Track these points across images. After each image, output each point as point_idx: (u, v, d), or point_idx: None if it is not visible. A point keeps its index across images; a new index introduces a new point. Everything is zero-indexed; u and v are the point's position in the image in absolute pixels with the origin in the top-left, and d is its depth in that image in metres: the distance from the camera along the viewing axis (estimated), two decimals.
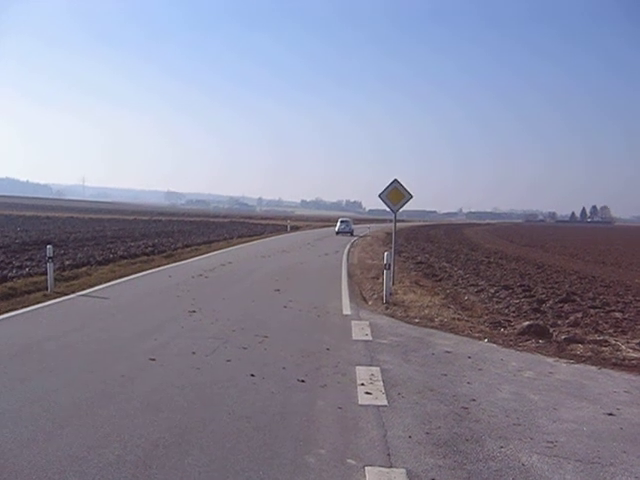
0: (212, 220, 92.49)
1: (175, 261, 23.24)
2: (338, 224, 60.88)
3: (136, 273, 18.52)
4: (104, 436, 5.42)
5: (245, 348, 8.99)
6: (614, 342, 10.34)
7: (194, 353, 8.56)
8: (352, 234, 57.03)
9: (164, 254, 25.73)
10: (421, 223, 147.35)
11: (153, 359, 8.17)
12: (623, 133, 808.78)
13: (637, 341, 10.48)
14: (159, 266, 20.99)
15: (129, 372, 7.53)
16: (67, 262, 19.63)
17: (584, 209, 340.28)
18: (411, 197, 16.74)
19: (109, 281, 16.32)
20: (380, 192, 16.83)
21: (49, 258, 14.17)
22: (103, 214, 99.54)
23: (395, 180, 16.76)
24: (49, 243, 18.57)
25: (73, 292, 14.03)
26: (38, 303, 12.53)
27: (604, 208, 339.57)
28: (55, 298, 13.17)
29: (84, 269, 18.49)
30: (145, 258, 23.51)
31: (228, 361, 8.20)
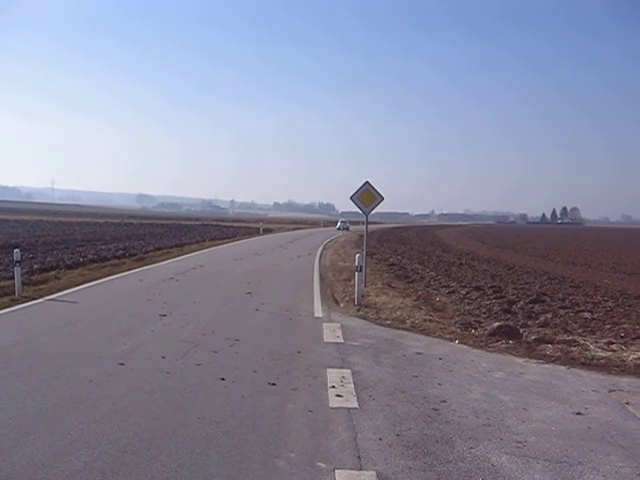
0: (184, 223, 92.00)
1: (146, 264, 23.05)
2: (339, 223, 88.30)
3: (106, 277, 18.32)
4: (71, 443, 5.34)
5: (216, 352, 8.93)
6: (583, 342, 10.45)
7: (164, 357, 8.48)
8: (348, 229, 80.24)
9: (135, 257, 25.50)
10: (394, 225, 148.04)
11: (122, 364, 8.08)
12: (595, 136, 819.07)
13: (605, 341, 10.61)
14: (130, 269, 20.81)
15: (98, 377, 7.43)
16: (36, 266, 19.38)
17: (554, 211, 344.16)
18: (382, 199, 16.78)
19: (79, 285, 16.13)
20: (352, 194, 16.84)
21: (16, 262, 13.97)
22: (73, 217, 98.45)
23: (367, 182, 16.77)
24: (17, 247, 18.32)
25: (41, 296, 13.85)
26: (5, 308, 12.35)
27: (574, 210, 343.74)
28: (23, 303, 12.99)
29: (53, 273, 18.25)
30: (116, 261, 23.28)
31: (198, 365, 8.14)
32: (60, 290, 15.00)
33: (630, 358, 9.28)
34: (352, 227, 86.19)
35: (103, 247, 29.99)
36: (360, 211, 17.23)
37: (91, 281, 17.10)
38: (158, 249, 30.86)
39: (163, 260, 25.26)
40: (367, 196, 16.72)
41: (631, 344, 10.42)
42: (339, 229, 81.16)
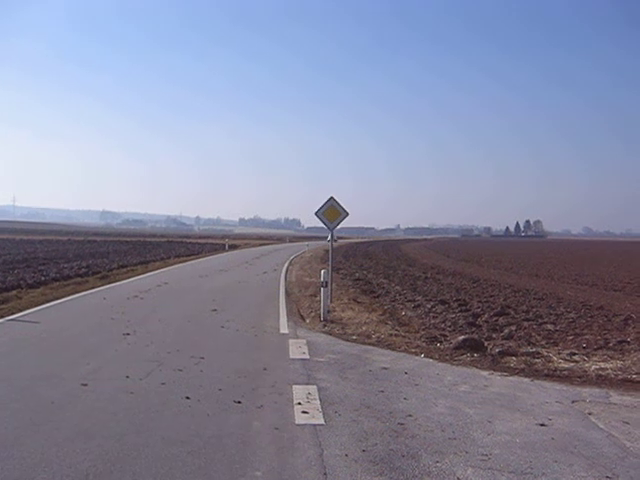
0: (149, 240, 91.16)
1: (110, 282, 22.75)
2: (329, 236, 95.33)
3: (69, 295, 18.04)
4: (31, 467, 5.22)
5: (181, 370, 8.84)
6: (546, 354, 10.59)
7: (128, 377, 8.37)
8: (336, 241, 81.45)
9: (99, 275, 25.16)
10: (360, 240, 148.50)
11: (85, 384, 7.94)
12: (561, 151, 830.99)
13: (568, 352, 10.77)
14: (93, 288, 20.51)
15: (60, 399, 7.29)
16: None
17: (518, 224, 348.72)
18: (347, 214, 16.86)
19: (40, 305, 15.84)
20: (317, 210, 16.89)
21: None
22: (35, 235, 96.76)
23: (331, 198, 16.85)
24: None
25: (2, 317, 13.55)
26: None
27: (537, 222, 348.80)
28: None
29: (14, 292, 17.91)
30: (79, 280, 22.92)
31: (163, 384, 8.05)
32: (21, 310, 14.70)
33: (592, 369, 9.44)
34: (317, 243, 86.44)
35: (66, 265, 29.53)
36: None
37: (53, 300, 16.81)
38: (122, 266, 30.50)
39: (127, 278, 24.97)
40: (332, 212, 16.79)
41: (593, 355, 10.59)
42: (328, 241, 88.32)
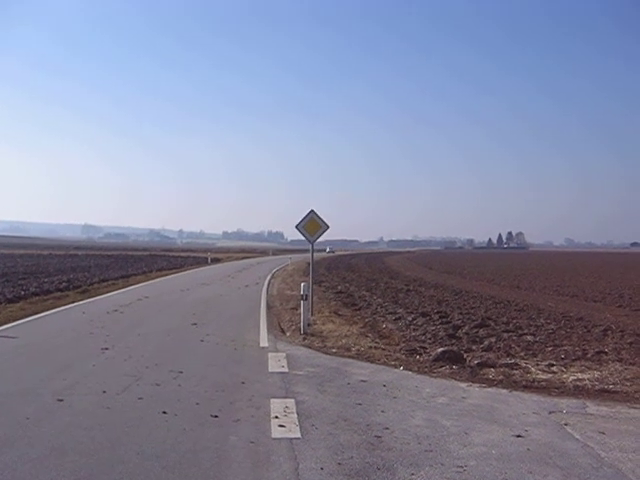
0: (131, 253, 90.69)
1: (90, 297, 22.59)
2: (327, 248, 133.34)
3: (48, 310, 17.89)
4: None
5: (158, 385, 8.79)
6: (525, 365, 10.64)
7: (105, 392, 8.30)
8: (334, 252, 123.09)
9: (79, 290, 24.97)
10: (343, 252, 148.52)
11: (61, 400, 7.87)
12: (545, 162, 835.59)
13: (546, 363, 10.82)
14: (73, 302, 20.35)
15: (35, 415, 7.23)
16: None
17: (500, 235, 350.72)
18: (327, 228, 16.91)
19: (19, 319, 15.69)
20: (297, 223, 16.92)
21: None
22: (15, 249, 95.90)
23: (312, 211, 16.90)
24: None
25: None
26: None
27: (519, 234, 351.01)
28: None
29: None
30: (59, 294, 22.76)
31: (140, 399, 8.00)
32: None
33: (569, 379, 9.50)
34: (300, 256, 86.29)
35: (46, 280, 29.29)
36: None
37: (32, 315, 16.65)
38: (103, 281, 30.31)
39: (108, 292, 24.81)
40: (312, 225, 16.84)
41: (571, 365, 10.66)
42: (328, 252, 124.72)
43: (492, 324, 16.47)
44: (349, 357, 11.33)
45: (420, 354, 11.72)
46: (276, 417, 7.22)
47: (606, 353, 11.89)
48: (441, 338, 13.85)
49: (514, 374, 9.91)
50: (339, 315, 17.80)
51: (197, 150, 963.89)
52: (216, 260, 70.03)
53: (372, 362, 10.89)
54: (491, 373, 9.98)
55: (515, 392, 8.77)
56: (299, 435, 6.57)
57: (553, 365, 10.66)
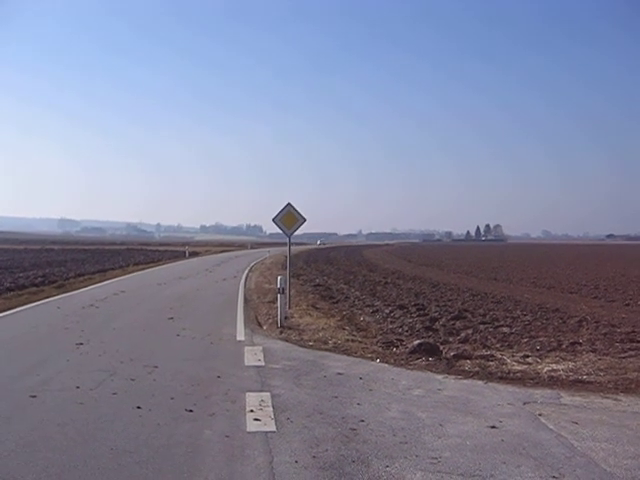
0: (108, 248, 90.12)
1: (66, 291, 22.37)
2: (318, 241, 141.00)
3: (23, 305, 17.68)
4: None
5: (133, 380, 8.71)
6: (500, 356, 10.70)
7: (78, 387, 8.22)
8: (324, 245, 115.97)
9: (55, 284, 24.72)
10: (322, 245, 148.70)
11: (34, 396, 7.78)
12: (524, 155, 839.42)
13: (522, 354, 10.90)
14: (48, 297, 20.14)
15: (6, 411, 7.14)
16: None
17: (478, 228, 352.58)
18: (304, 221, 16.87)
19: None
20: (274, 216, 16.88)
21: None
22: None
23: (288, 204, 16.86)
24: None
25: None
26: None
27: (497, 226, 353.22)
28: None
29: None
30: (34, 289, 22.50)
31: (114, 394, 7.92)
32: None
33: (544, 370, 9.56)
34: (279, 249, 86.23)
35: (21, 274, 28.94)
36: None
37: (6, 310, 16.45)
38: (79, 275, 30.02)
39: (84, 287, 24.59)
40: (289, 218, 16.80)
41: (546, 356, 10.74)
42: (319, 245, 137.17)
43: (469, 316, 16.55)
44: (326, 350, 11.32)
45: (397, 346, 11.74)
46: (251, 411, 7.19)
47: (580, 344, 12.00)
48: (418, 330, 13.89)
49: (490, 365, 9.96)
50: (317, 308, 17.79)
51: (169, 143, 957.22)
52: (194, 254, 69.69)
53: (349, 355, 10.89)
54: (467, 365, 10.02)
55: (490, 383, 8.82)
56: (274, 429, 6.55)
57: (528, 356, 10.73)
